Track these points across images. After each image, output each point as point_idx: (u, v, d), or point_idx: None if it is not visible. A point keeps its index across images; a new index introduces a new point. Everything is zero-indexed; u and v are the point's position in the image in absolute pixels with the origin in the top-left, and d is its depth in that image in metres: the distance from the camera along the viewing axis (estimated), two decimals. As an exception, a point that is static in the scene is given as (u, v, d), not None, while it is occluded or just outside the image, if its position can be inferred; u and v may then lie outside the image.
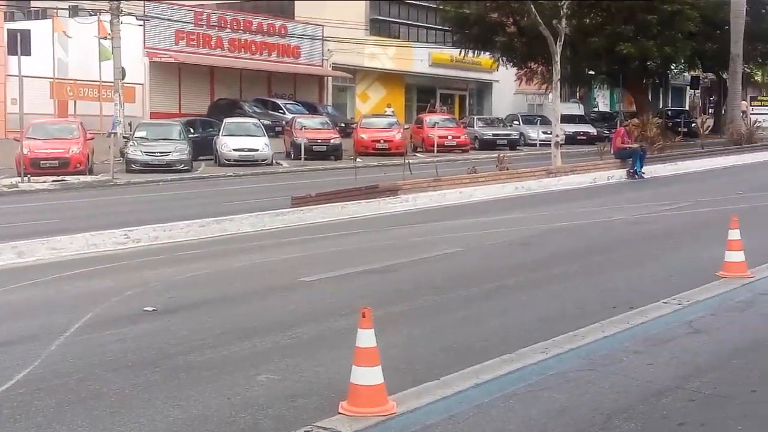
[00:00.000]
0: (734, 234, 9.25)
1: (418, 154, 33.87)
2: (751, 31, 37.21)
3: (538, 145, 37.28)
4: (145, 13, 35.41)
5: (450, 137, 36.21)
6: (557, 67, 24.74)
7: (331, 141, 32.39)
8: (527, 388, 5.77)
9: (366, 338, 5.24)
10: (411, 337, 7.32)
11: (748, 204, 15.69)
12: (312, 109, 41.81)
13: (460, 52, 45.04)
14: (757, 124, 35.11)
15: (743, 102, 41.06)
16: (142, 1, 36.15)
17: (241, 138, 29.71)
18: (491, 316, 8.04)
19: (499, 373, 6.07)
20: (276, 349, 7.00)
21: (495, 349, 6.64)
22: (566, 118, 36.85)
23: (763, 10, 41.37)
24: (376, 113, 43.32)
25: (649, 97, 48.47)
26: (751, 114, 39.72)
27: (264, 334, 7.47)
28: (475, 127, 40.22)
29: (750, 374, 6.09)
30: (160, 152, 27.38)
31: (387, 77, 51.79)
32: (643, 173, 22.17)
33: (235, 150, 29.25)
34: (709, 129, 42.37)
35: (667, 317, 7.63)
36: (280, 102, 42.62)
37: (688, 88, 58.08)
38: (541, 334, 7.05)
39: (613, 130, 29.72)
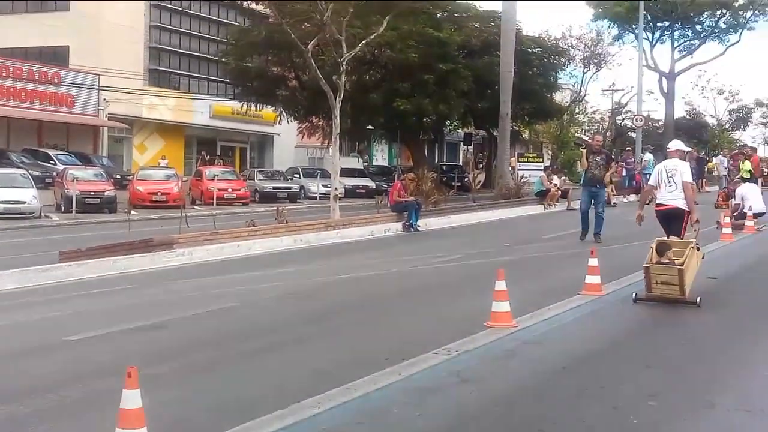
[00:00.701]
0: (501, 285, 9.62)
1: (197, 207, 33.35)
2: (520, 90, 39.39)
3: (318, 198, 37.66)
4: None
5: (230, 190, 35.97)
6: (337, 121, 25.20)
7: (105, 193, 31.23)
8: (298, 444, 5.70)
9: (131, 399, 5.01)
10: (183, 396, 7.10)
11: (514, 255, 16.48)
12: (86, 160, 40.34)
13: (242, 104, 44.96)
14: (524, 180, 37.05)
15: (512, 158, 43.30)
16: None
17: (6, 190, 28.06)
18: (267, 371, 7.94)
19: (270, 430, 5.96)
20: (36, 414, 6.57)
21: (270, 405, 6.53)
22: (346, 172, 37.50)
23: (530, 72, 43.91)
24: (154, 165, 42.41)
25: (425, 152, 50.24)
26: (519, 170, 41.96)
27: (23, 397, 7.00)
28: (256, 180, 40.20)
29: (512, 421, 6.31)
30: None
31: (166, 128, 51.00)
32: (419, 226, 22.79)
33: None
34: (481, 183, 44.44)
35: (436, 367, 7.78)
36: (51, 152, 40.80)
37: (462, 143, 60.71)
38: (315, 388, 6.99)
39: (390, 184, 30.48)
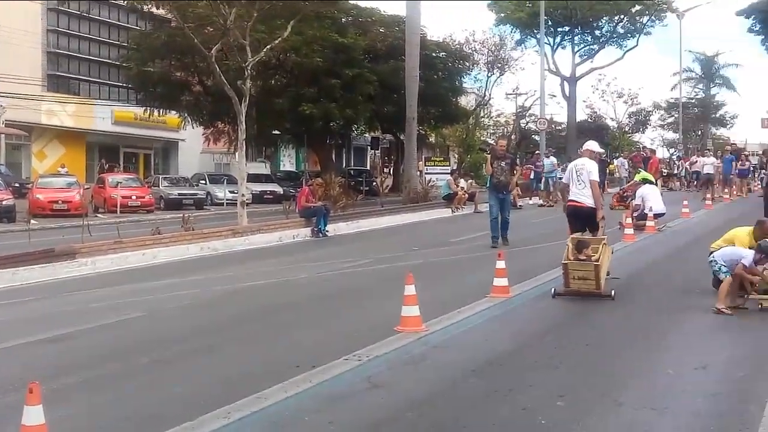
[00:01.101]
0: (410, 289, 9.66)
1: (99, 215, 32.57)
2: (425, 95, 39.65)
3: (225, 204, 37.28)
4: None
5: (134, 197, 35.22)
6: (243, 126, 24.95)
7: (3, 202, 30.18)
8: (207, 457, 5.61)
9: (33, 415, 4.86)
10: (89, 410, 6.93)
11: (423, 259, 16.58)
12: (-18, 169, 39.09)
13: (145, 110, 44.11)
14: (432, 183, 37.32)
15: (419, 162, 43.58)
16: None
17: None
18: (174, 382, 7.78)
19: (178, 442, 5.86)
20: (-71, 434, 6.31)
21: (178, 416, 6.41)
22: (253, 178, 37.28)
23: (435, 76, 44.25)
24: (54, 173, 41.31)
25: (333, 157, 50.17)
26: (426, 173, 42.23)
27: None
28: (161, 187, 39.52)
29: (423, 425, 6.33)
30: None
31: (66, 135, 49.76)
32: (327, 231, 22.74)
33: None
34: (389, 188, 44.59)
35: (347, 374, 7.76)
36: (-55, 160, 39.44)
37: (369, 148, 60.89)
38: (224, 398, 6.89)
39: (298, 189, 30.35)
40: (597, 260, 11.54)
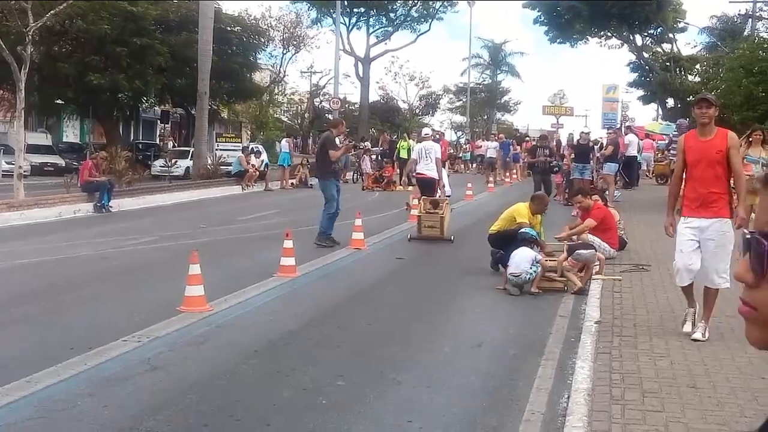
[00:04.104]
0: (195, 269, 9.51)
1: None
2: (219, 69, 38.99)
3: (0, 176, 35.21)
4: None
5: None
6: (21, 95, 23.59)
7: None
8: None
9: None
10: None
11: (210, 237, 16.35)
12: None
13: None
14: (222, 160, 36.83)
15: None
16: None
17: None
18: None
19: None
20: None
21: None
22: (33, 149, 35.36)
23: (230, 51, 43.59)
24: None
25: (120, 130, 48.49)
26: (217, 150, 41.63)
27: None
28: (-72, 155, 36.76)
29: (203, 408, 6.25)
30: None
31: None
32: (111, 207, 21.97)
33: None
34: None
35: (125, 355, 7.55)
36: None
37: (159, 121, 59.31)
38: (-10, 383, 6.54)
39: (81, 162, 29.11)
40: (442, 213, 16.02)
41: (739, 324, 2.84)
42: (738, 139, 9.00)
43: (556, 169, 23.17)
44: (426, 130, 21.30)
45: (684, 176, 8.49)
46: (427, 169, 17.34)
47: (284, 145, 34.97)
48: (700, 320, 8.26)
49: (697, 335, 8.10)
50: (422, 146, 17.91)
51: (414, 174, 18.01)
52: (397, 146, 35.54)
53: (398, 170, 32.55)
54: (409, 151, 33.22)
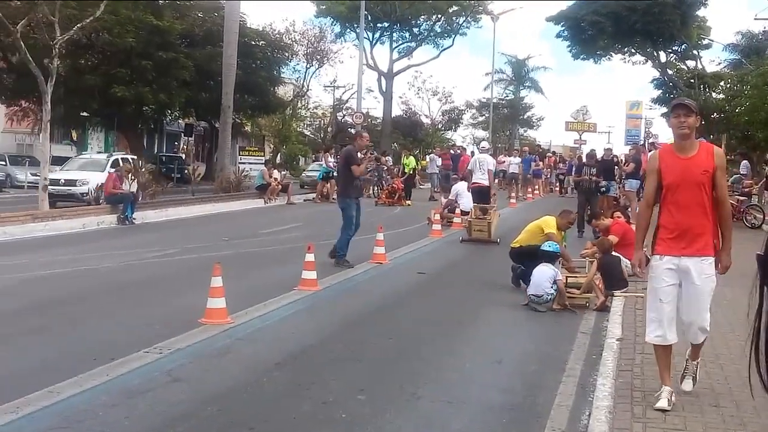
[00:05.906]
0: (216, 281, 9.54)
1: None
2: (243, 83, 39.20)
3: (26, 187, 35.52)
4: None
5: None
6: (47, 107, 23.83)
7: None
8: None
9: None
10: None
11: (233, 250, 16.39)
12: None
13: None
14: (245, 173, 36.96)
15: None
16: None
17: None
18: (-42, 377, 7.34)
19: (-41, 441, 5.54)
20: None
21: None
22: (58, 161, 35.65)
23: (254, 65, 43.81)
24: None
25: (144, 142, 48.79)
26: (240, 163, 41.76)
27: None
28: (-46, 167, 37.25)
29: (223, 420, 6.26)
30: None
31: None
32: (134, 219, 22.11)
33: None
34: (201, 176, 43.76)
35: (147, 367, 7.58)
36: None
37: (183, 134, 59.59)
38: (13, 393, 6.57)
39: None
40: (490, 219, 18.46)
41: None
42: (725, 157, 7.42)
43: (603, 189, 21.36)
44: (484, 144, 24.69)
45: (659, 202, 6.88)
46: (482, 179, 20.52)
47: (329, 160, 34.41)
48: (690, 373, 6.96)
49: (687, 386, 6.93)
50: (476, 158, 21.48)
51: (470, 183, 20.90)
52: (402, 162, 35.69)
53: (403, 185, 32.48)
54: (414, 169, 33.72)
